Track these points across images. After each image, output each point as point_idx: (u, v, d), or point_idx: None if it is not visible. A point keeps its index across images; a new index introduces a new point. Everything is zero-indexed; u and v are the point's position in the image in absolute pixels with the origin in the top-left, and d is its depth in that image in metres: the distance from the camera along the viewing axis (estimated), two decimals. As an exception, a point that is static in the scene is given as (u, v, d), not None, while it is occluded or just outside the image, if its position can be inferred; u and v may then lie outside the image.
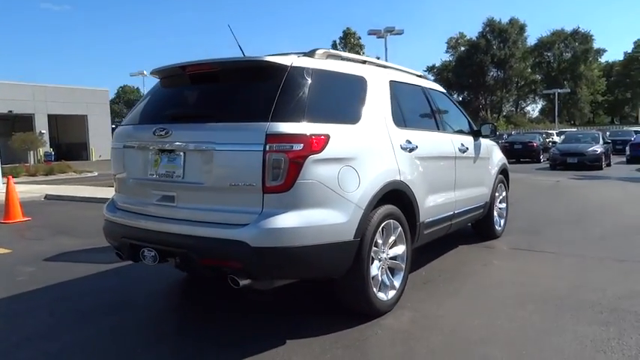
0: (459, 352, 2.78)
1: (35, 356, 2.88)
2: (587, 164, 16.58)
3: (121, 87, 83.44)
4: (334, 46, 30.53)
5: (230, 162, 2.81)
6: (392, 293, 3.43)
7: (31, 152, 31.65)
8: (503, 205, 5.96)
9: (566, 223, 6.69)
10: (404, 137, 3.64)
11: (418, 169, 3.73)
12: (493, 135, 5.12)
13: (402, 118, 3.75)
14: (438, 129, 4.39)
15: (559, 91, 46.31)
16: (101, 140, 43.94)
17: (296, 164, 2.73)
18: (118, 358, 2.87)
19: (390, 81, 3.81)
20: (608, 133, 27.46)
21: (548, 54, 61.08)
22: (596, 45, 59.26)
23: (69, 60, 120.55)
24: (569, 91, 51.59)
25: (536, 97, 65.66)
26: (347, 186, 2.97)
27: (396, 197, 3.44)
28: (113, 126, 51.66)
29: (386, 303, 3.35)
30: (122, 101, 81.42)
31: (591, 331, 3.01)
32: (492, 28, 60.23)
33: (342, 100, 3.31)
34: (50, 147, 36.21)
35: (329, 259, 2.93)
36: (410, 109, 4.05)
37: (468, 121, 5.18)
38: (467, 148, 4.73)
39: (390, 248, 3.44)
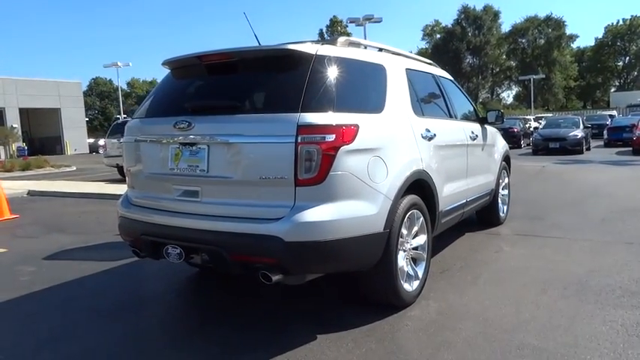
0: (495, 342, 2.76)
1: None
2: (569, 149, 16.93)
3: (93, 79, 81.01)
4: (321, 35, 30.16)
5: (259, 155, 2.71)
6: (416, 284, 3.40)
7: (3, 147, 30.60)
8: (506, 192, 6.00)
9: (563, 208, 6.80)
10: (423, 126, 3.59)
11: (437, 157, 3.70)
12: (500, 122, 5.12)
13: (419, 107, 3.71)
14: (451, 117, 4.36)
15: (534, 77, 47.13)
16: (76, 134, 42.91)
17: (329, 156, 2.65)
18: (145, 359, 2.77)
19: (406, 69, 3.75)
20: (584, 117, 28.11)
21: (523, 40, 61.89)
22: (568, 31, 60.39)
23: (35, 52, 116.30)
24: (543, 76, 52.55)
25: (511, 84, 66.67)
26: (376, 177, 2.92)
27: (419, 187, 3.41)
28: (87, 119, 50.44)
29: (411, 294, 3.33)
30: (94, 93, 79.26)
31: (619, 316, 3.04)
32: (467, 15, 60.69)
33: (366, 88, 3.24)
34: (23, 141, 35.05)
35: (361, 252, 2.87)
36: (425, 97, 4.01)
37: (474, 108, 5.18)
38: (476, 136, 4.72)
39: (412, 238, 3.41)
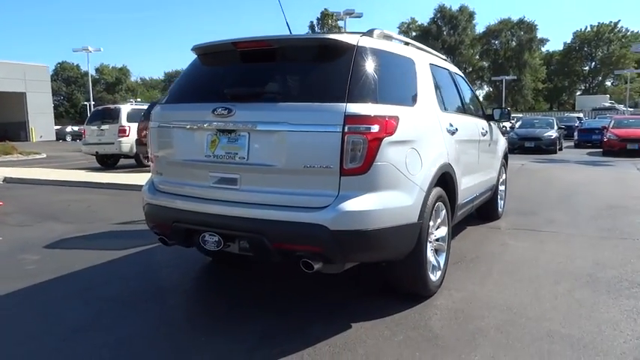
0: (525, 329, 2.88)
1: (95, 350, 2.70)
2: (543, 148, 17.52)
3: (59, 63, 78.00)
4: (312, 28, 29.90)
5: (305, 143, 2.72)
6: (438, 274, 3.49)
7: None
8: (503, 188, 6.18)
9: (552, 204, 7.04)
10: (447, 120, 3.68)
11: (458, 152, 3.79)
12: (507, 120, 5.27)
13: (442, 101, 3.79)
14: (465, 113, 4.47)
15: (507, 78, 48.32)
16: (42, 120, 41.44)
17: (374, 146, 2.69)
18: (186, 348, 2.74)
19: (430, 64, 3.82)
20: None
21: (495, 42, 63.34)
22: (539, 34, 62.16)
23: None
24: (515, 78, 53.98)
25: (483, 84, 68.13)
26: (412, 168, 2.98)
27: (443, 180, 3.48)
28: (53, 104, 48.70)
29: (435, 284, 3.41)
30: (61, 78, 76.38)
31: (632, 305, 3.21)
32: (443, 15, 61.66)
33: (401, 81, 3.30)
34: (-15, 126, 33.60)
35: (398, 242, 2.93)
36: (445, 92, 4.08)
37: (481, 105, 5.31)
38: (486, 132, 4.86)
39: (436, 230, 3.49)
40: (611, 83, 67.18)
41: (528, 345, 2.68)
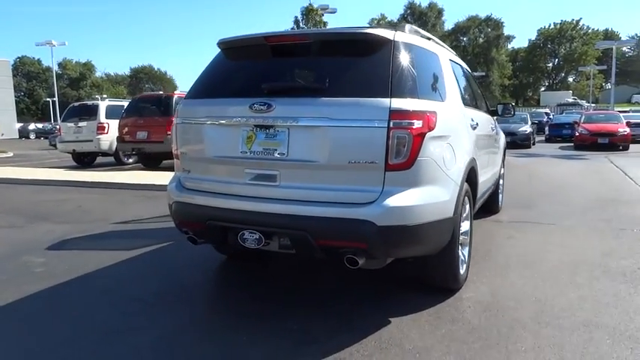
0: (560, 319, 2.94)
1: (135, 351, 2.61)
2: (519, 143, 18.01)
3: (18, 58, 74.97)
4: (297, 23, 29.53)
5: (349, 139, 2.70)
6: (464, 267, 3.53)
7: None
8: (502, 182, 6.30)
9: (543, 198, 7.24)
10: (469, 115, 3.72)
11: (479, 147, 3.85)
12: (510, 115, 5.37)
13: (462, 97, 3.82)
14: (478, 108, 4.53)
15: (475, 74, 49.30)
16: (3, 117, 39.86)
17: (417, 141, 2.69)
18: (230, 347, 2.66)
19: (449, 59, 3.85)
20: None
21: (464, 39, 64.65)
22: (505, 32, 63.84)
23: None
24: (483, 74, 55.27)
25: (452, 80, 69.39)
26: (449, 163, 3.00)
27: (468, 175, 3.52)
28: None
29: (462, 277, 3.45)
30: (21, 74, 73.39)
31: (653, 293, 3.34)
32: (413, 11, 62.45)
33: (433, 76, 3.30)
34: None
35: (437, 236, 2.95)
36: (463, 87, 4.12)
37: (485, 101, 5.39)
38: (494, 127, 4.94)
39: (461, 223, 3.52)
40: (573, 79, 69.61)
41: (569, 335, 2.74)
